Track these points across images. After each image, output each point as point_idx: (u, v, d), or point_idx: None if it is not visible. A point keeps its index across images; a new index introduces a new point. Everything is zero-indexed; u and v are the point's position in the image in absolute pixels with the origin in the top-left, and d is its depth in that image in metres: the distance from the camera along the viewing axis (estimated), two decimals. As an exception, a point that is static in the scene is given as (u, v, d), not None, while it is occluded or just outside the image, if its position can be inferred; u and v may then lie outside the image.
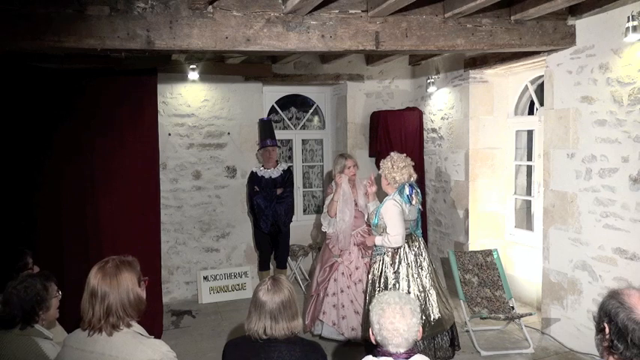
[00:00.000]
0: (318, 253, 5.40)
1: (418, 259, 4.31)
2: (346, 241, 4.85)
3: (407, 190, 4.28)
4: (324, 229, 5.00)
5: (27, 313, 2.57)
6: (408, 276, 4.24)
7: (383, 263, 4.30)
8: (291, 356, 2.27)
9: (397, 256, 4.26)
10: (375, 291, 4.28)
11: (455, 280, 5.10)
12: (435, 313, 4.25)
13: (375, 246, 4.39)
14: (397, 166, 4.28)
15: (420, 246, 4.38)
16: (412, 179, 4.35)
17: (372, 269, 4.42)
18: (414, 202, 4.30)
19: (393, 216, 4.18)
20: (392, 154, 4.43)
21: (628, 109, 4.10)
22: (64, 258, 4.71)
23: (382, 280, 4.27)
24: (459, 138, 6.26)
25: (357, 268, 4.86)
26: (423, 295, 4.26)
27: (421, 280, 4.28)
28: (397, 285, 4.21)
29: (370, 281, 4.39)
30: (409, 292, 4.19)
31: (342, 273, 4.83)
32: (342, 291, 4.79)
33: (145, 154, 5.02)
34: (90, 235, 4.82)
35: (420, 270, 4.29)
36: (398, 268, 4.25)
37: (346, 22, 3.99)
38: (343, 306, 4.73)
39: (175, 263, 6.42)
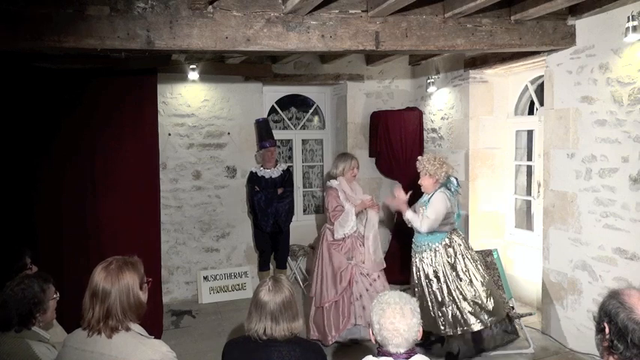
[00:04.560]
0: (312, 257, 5.31)
1: (469, 251, 4.45)
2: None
3: (454, 181, 4.47)
4: (340, 236, 4.87)
5: (24, 315, 2.54)
6: (470, 267, 4.33)
7: (434, 259, 4.36)
8: (291, 356, 2.27)
9: (451, 250, 4.34)
10: (428, 288, 4.35)
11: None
12: (491, 302, 4.31)
13: (416, 240, 4.49)
14: (439, 161, 4.39)
15: (464, 238, 4.53)
16: (451, 170, 4.52)
17: (420, 268, 4.44)
18: (459, 192, 4.58)
19: (439, 206, 4.29)
20: (423, 156, 4.51)
21: (628, 109, 4.10)
22: (64, 258, 4.71)
23: (440, 274, 4.33)
24: (459, 138, 6.26)
25: (370, 266, 4.90)
26: (485, 284, 4.34)
27: (477, 270, 4.37)
28: (461, 277, 4.29)
29: (419, 278, 4.42)
30: (471, 283, 4.29)
31: (360, 273, 4.84)
32: (367, 290, 4.81)
33: (145, 154, 5.02)
34: (90, 235, 4.82)
35: (473, 261, 4.40)
36: (455, 261, 4.33)
37: (346, 22, 3.99)
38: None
39: (175, 263, 6.42)
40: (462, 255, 4.35)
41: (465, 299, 4.26)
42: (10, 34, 3.40)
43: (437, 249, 4.36)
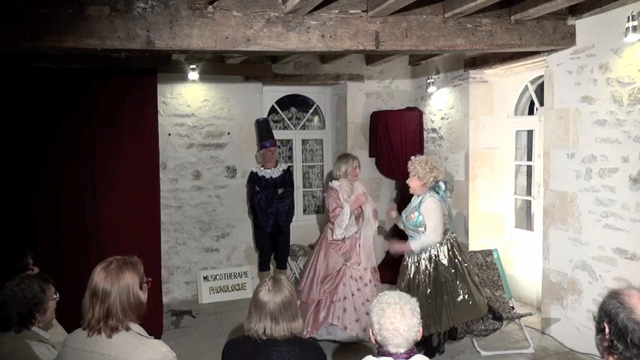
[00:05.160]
0: (309, 257, 5.32)
1: (460, 252, 4.46)
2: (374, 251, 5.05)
3: (442, 186, 4.47)
4: (339, 236, 4.89)
5: (23, 315, 2.54)
6: (459, 267, 4.35)
7: (428, 260, 4.36)
8: (291, 356, 2.27)
9: (445, 249, 4.36)
10: (423, 288, 4.34)
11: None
12: (471, 302, 4.34)
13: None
14: (430, 166, 4.40)
15: (456, 238, 4.55)
16: (441, 175, 4.52)
17: (412, 268, 4.44)
18: (449, 196, 4.57)
19: (436, 213, 4.32)
20: (416, 157, 4.49)
21: (628, 109, 4.10)
22: (64, 258, 4.71)
23: (432, 275, 4.34)
24: (459, 138, 6.26)
25: (365, 270, 4.89)
26: (469, 285, 4.35)
27: (465, 270, 4.39)
28: (451, 278, 4.31)
29: (410, 279, 4.43)
30: (456, 284, 4.30)
31: (351, 276, 4.83)
32: (352, 294, 4.80)
33: (145, 154, 5.02)
34: (90, 235, 4.82)
35: (463, 262, 4.41)
36: (447, 262, 4.34)
37: (346, 22, 3.99)
38: (356, 309, 4.74)
39: (175, 263, 6.42)
40: (454, 256, 4.38)
41: (446, 298, 4.28)
42: (10, 34, 3.40)
43: (431, 250, 4.36)
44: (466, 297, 4.29)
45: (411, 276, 4.45)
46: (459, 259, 4.38)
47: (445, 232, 4.44)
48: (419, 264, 4.41)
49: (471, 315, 4.35)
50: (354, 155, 5.21)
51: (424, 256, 4.39)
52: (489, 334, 4.68)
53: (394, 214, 4.81)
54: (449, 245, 4.39)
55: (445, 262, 4.34)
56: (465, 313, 4.30)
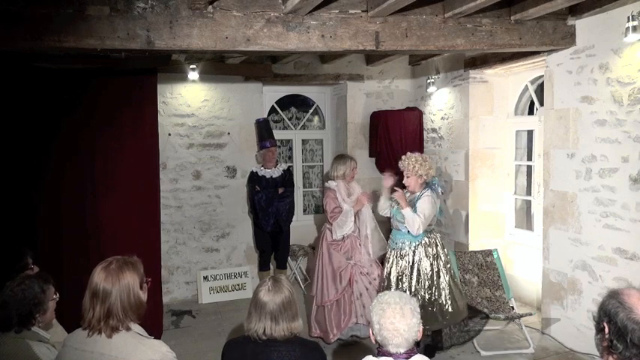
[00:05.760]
0: (313, 257, 5.32)
1: (443, 252, 4.46)
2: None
3: (436, 181, 4.49)
4: (338, 236, 4.89)
5: (24, 316, 2.54)
6: (441, 267, 4.35)
7: (410, 257, 4.36)
8: (291, 356, 2.27)
9: (430, 249, 4.35)
10: (404, 284, 4.35)
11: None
12: (451, 304, 4.32)
13: (394, 237, 4.48)
14: (424, 160, 4.38)
15: (441, 238, 4.55)
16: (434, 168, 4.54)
17: (394, 263, 4.45)
18: (441, 193, 4.58)
19: (430, 209, 4.31)
20: (409, 155, 4.44)
21: (628, 109, 4.10)
22: (64, 258, 4.71)
23: (414, 272, 4.34)
24: (459, 138, 6.26)
25: (370, 265, 4.92)
26: (450, 286, 4.35)
27: (447, 271, 4.39)
28: (434, 277, 4.30)
29: (390, 274, 4.44)
30: (438, 284, 4.30)
31: (360, 273, 4.86)
32: (367, 289, 4.84)
33: (145, 154, 5.02)
34: (90, 235, 4.82)
35: (445, 263, 4.41)
36: (432, 260, 4.34)
37: (346, 22, 3.99)
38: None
39: (175, 263, 6.42)
40: (437, 256, 4.37)
41: (428, 297, 4.28)
42: (10, 34, 3.40)
43: (415, 248, 4.36)
44: (448, 301, 4.28)
45: (389, 271, 4.47)
46: (442, 260, 4.37)
47: (431, 232, 4.44)
48: (400, 260, 4.41)
49: (452, 320, 4.34)
50: (351, 156, 5.22)
51: (406, 251, 4.38)
52: (474, 336, 4.66)
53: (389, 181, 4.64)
54: (434, 244, 4.38)
55: (429, 260, 4.33)
56: (451, 318, 4.29)
